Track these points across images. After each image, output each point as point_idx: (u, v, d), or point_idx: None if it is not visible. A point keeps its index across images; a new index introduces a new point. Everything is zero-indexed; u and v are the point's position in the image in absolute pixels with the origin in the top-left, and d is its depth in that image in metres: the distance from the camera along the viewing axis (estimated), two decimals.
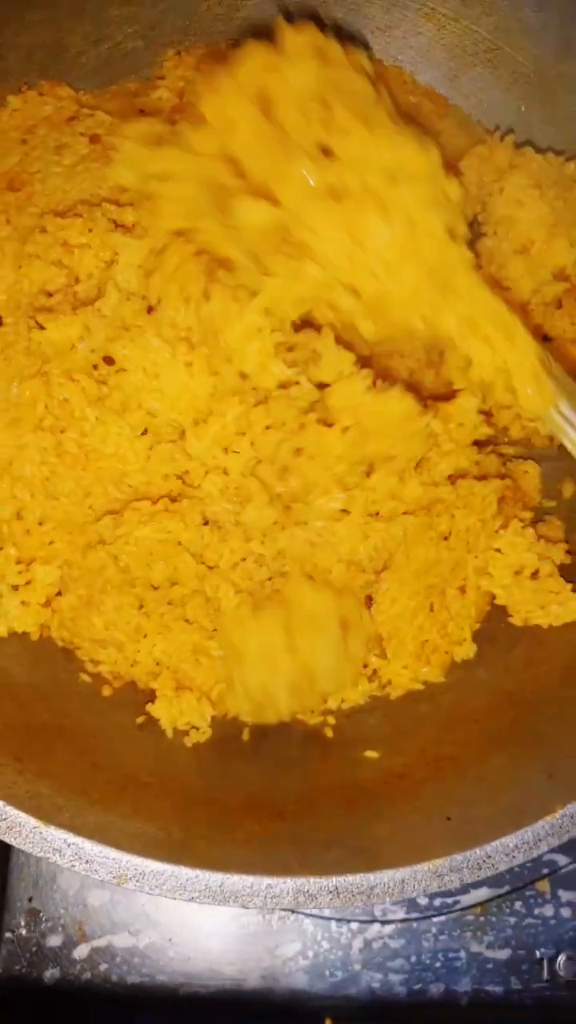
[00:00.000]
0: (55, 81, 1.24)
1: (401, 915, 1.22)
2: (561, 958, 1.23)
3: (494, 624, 1.15)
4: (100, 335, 1.01)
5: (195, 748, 1.04)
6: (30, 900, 1.23)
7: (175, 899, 0.83)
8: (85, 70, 1.27)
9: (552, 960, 1.24)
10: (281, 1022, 1.25)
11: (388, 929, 1.23)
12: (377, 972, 1.23)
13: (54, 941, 1.23)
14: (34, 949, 1.22)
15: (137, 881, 0.82)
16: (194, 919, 1.24)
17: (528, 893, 1.26)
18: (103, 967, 1.22)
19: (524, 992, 1.23)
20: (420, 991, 1.23)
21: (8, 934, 1.23)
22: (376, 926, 1.23)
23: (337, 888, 0.85)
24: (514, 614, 1.13)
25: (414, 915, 1.22)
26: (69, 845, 0.82)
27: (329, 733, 1.08)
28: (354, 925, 1.23)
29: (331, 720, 1.08)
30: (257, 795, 0.98)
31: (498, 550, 1.10)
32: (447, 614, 1.12)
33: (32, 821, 0.82)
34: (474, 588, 1.13)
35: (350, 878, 0.85)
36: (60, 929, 1.23)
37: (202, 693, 1.04)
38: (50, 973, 1.22)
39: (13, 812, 0.82)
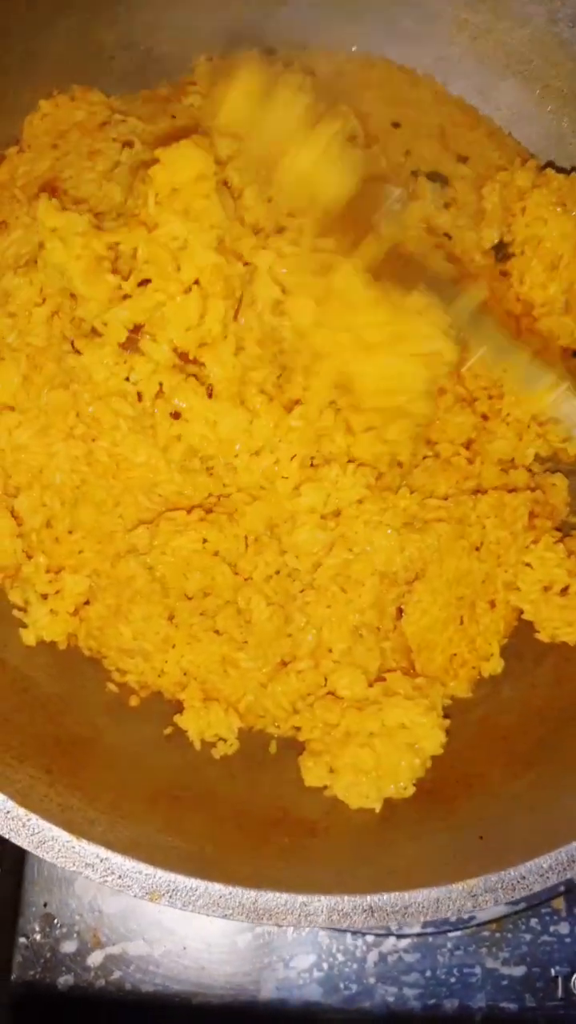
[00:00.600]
0: (87, 86, 1.24)
1: (417, 929, 1.22)
2: None
3: (521, 640, 1.14)
4: (142, 370, 1.00)
5: (223, 761, 1.03)
6: (45, 906, 1.22)
7: (208, 915, 0.82)
8: (117, 75, 1.26)
9: (567, 978, 1.23)
10: None
11: (403, 943, 1.23)
12: (392, 986, 1.22)
13: (68, 947, 1.22)
14: (48, 955, 1.21)
15: (170, 897, 0.82)
16: (209, 929, 1.23)
17: (544, 910, 1.25)
18: (117, 975, 1.21)
19: (538, 1010, 1.22)
20: (434, 1006, 1.22)
21: (23, 939, 1.21)
22: (391, 940, 1.22)
23: (372, 907, 0.84)
24: (541, 630, 1.12)
25: (430, 930, 1.22)
26: (102, 860, 0.81)
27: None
28: (369, 938, 1.22)
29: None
30: (287, 809, 0.97)
31: (528, 565, 1.10)
32: (476, 628, 1.11)
33: (65, 835, 0.81)
34: (504, 603, 1.13)
35: (385, 896, 0.84)
36: (75, 935, 1.22)
37: (229, 705, 1.03)
38: (64, 980, 1.21)
39: (46, 826, 0.81)
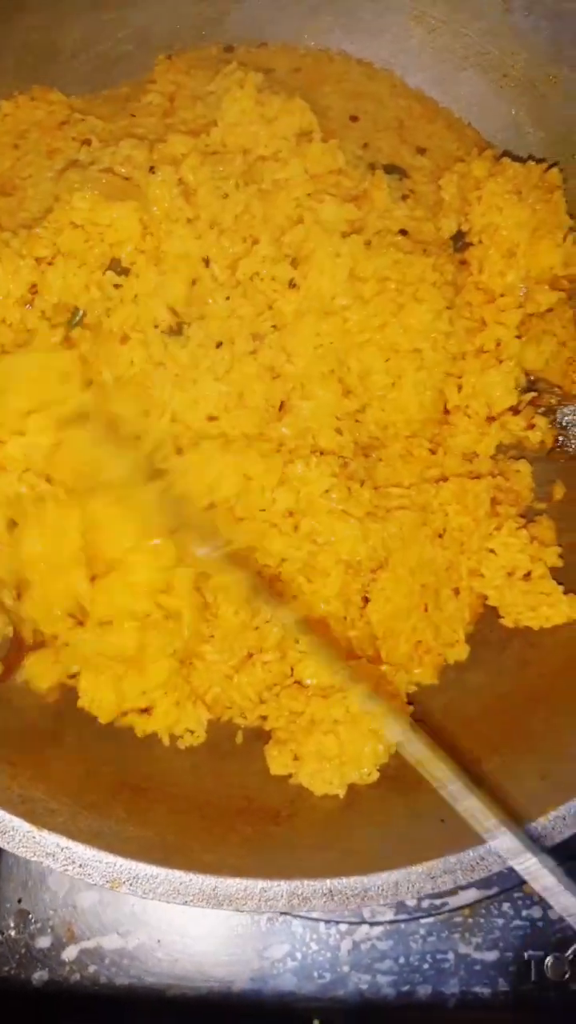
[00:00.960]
0: (47, 86, 1.24)
1: (390, 916, 1.22)
2: (549, 960, 1.23)
3: (486, 627, 1.15)
4: None
5: (189, 752, 1.04)
6: (19, 901, 1.22)
7: (169, 903, 0.83)
8: (77, 75, 1.27)
9: (540, 962, 1.23)
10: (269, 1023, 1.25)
11: (376, 931, 1.23)
12: (365, 974, 1.22)
13: (43, 943, 1.22)
14: (23, 951, 1.22)
15: (131, 885, 0.83)
16: (183, 921, 1.23)
17: (516, 895, 1.25)
18: (92, 969, 1.22)
19: (512, 994, 1.23)
20: (408, 992, 1.22)
21: None
22: (364, 928, 1.23)
23: (331, 890, 0.85)
24: (505, 615, 1.14)
25: (402, 917, 1.22)
26: (62, 849, 0.82)
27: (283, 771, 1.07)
28: (343, 927, 1.23)
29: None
30: (251, 798, 0.98)
31: (492, 551, 1.11)
32: (440, 615, 1.12)
33: (25, 825, 0.82)
34: (468, 589, 1.14)
35: (344, 880, 0.86)
36: (49, 931, 1.22)
37: (198, 697, 1.04)
38: (39, 975, 1.22)
39: (6, 816, 0.82)
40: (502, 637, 1.14)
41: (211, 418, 1.05)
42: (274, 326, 1.08)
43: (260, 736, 1.07)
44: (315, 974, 1.22)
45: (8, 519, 0.96)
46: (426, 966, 1.23)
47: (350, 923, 1.22)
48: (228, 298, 1.08)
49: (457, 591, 1.14)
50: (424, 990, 1.22)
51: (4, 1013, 1.21)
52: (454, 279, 1.14)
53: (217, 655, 1.06)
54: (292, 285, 1.08)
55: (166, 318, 1.06)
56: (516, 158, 1.19)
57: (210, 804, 0.96)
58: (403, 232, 1.12)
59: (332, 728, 1.01)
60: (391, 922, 1.22)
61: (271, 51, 1.31)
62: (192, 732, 1.04)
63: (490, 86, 1.29)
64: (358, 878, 0.86)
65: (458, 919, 1.24)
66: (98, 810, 0.89)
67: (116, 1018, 1.23)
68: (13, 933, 1.21)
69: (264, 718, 1.07)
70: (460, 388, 1.12)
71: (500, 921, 1.24)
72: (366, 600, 1.11)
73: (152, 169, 1.10)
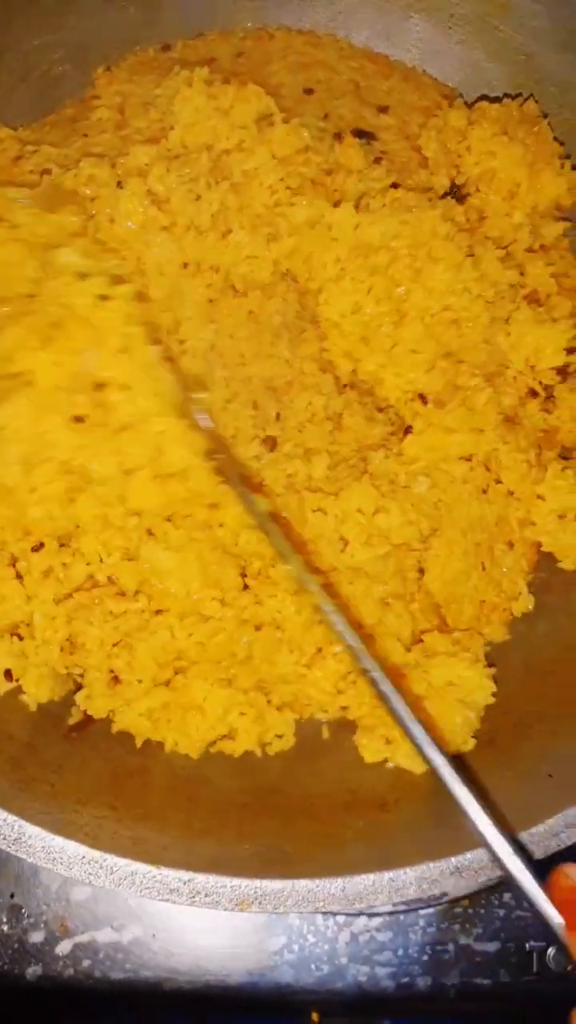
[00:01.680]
0: None
1: (388, 907, 1.20)
2: (551, 951, 1.17)
3: (547, 573, 1.13)
4: None
5: (279, 757, 1.02)
6: (12, 896, 1.20)
7: (301, 912, 0.82)
8: (18, 106, 1.25)
9: (542, 953, 1.19)
10: (267, 1017, 1.22)
11: (375, 922, 1.20)
12: (364, 965, 1.19)
13: (36, 937, 1.19)
14: (16, 946, 1.19)
15: (259, 903, 0.81)
16: (178, 914, 1.20)
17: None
18: (86, 963, 1.19)
19: (513, 985, 1.19)
20: (407, 984, 1.19)
21: None
22: (363, 919, 1.20)
23: (458, 867, 0.84)
24: (563, 559, 1.12)
25: (401, 907, 1.20)
26: (186, 883, 0.81)
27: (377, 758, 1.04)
28: (340, 919, 1.20)
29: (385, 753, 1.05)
30: (354, 791, 0.97)
31: (540, 497, 1.09)
32: (499, 571, 1.11)
33: (144, 867, 0.81)
34: (521, 540, 1.12)
35: (468, 856, 0.84)
36: (42, 925, 1.19)
37: (283, 702, 1.03)
38: (32, 970, 1.19)
39: (123, 862, 0.81)
40: (565, 581, 1.12)
41: None
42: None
43: (345, 726, 1.06)
44: (313, 966, 1.19)
45: None
46: (426, 958, 1.19)
47: (348, 915, 1.19)
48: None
49: (511, 544, 1.12)
50: (424, 982, 1.19)
51: None
52: (468, 223, 1.12)
53: (288, 655, 1.04)
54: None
55: None
56: (484, 99, 1.17)
57: (315, 805, 0.95)
58: (395, 186, 1.09)
59: (418, 705, 1.00)
60: (390, 913, 1.19)
61: (209, 40, 1.29)
62: (281, 737, 1.02)
63: (438, 29, 1.26)
64: (481, 850, 0.84)
65: (458, 910, 1.21)
66: (209, 836, 0.87)
67: (112, 1013, 1.20)
68: (6, 928, 1.18)
69: (345, 708, 1.06)
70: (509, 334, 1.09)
71: (501, 912, 1.21)
72: (422, 571, 1.09)
73: (119, 184, 1.08)
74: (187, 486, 0.97)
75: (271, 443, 1.07)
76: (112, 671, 0.96)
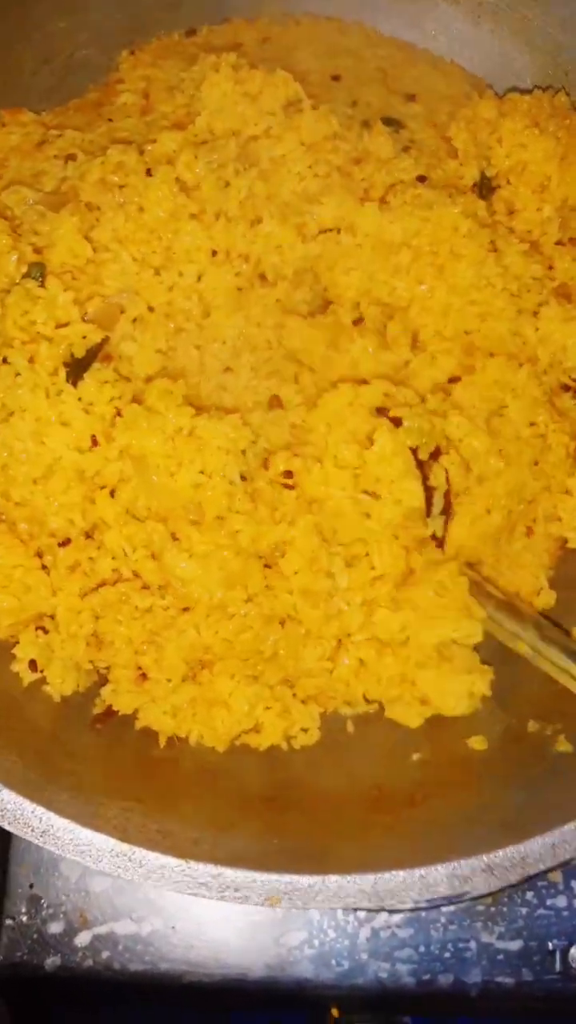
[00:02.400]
0: (14, 108, 1.20)
1: (410, 904, 1.19)
2: (574, 950, 1.18)
3: (572, 570, 1.12)
4: None
5: (304, 751, 1.01)
6: (31, 887, 1.18)
7: (332, 908, 0.81)
8: (42, 90, 1.24)
9: (565, 952, 1.18)
10: (286, 1011, 1.22)
11: (396, 918, 1.19)
12: (384, 962, 1.17)
13: (55, 928, 1.18)
14: (35, 936, 1.17)
15: (289, 898, 0.80)
16: (197, 907, 1.19)
17: (540, 883, 1.20)
18: (105, 955, 1.17)
19: (535, 984, 1.18)
20: (429, 981, 1.17)
21: (9, 921, 1.18)
22: (384, 915, 1.19)
23: (489, 865, 0.83)
24: None
25: (423, 904, 1.19)
26: (215, 877, 0.80)
27: (417, 722, 1.04)
28: (361, 914, 1.19)
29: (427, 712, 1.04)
30: (381, 786, 0.96)
31: (568, 492, 1.07)
32: (510, 550, 1.10)
33: (174, 861, 0.79)
34: (544, 534, 1.11)
35: (500, 853, 0.83)
36: (62, 916, 1.18)
37: (307, 695, 1.02)
38: (51, 960, 1.17)
39: (152, 856, 0.79)
40: None
41: None
42: None
43: (370, 720, 1.05)
44: (333, 962, 1.17)
45: None
46: (447, 955, 1.18)
47: (369, 910, 1.18)
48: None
49: (530, 531, 1.11)
50: (446, 979, 1.17)
51: (17, 998, 1.18)
52: (491, 219, 1.11)
53: (313, 650, 1.03)
54: None
55: None
56: (514, 90, 1.15)
57: (342, 801, 0.94)
58: (421, 179, 1.08)
59: (427, 662, 1.01)
60: (412, 910, 1.17)
61: (235, 26, 1.27)
62: (306, 731, 1.01)
63: (467, 17, 1.25)
64: (514, 848, 0.83)
65: (480, 907, 1.19)
66: (237, 829, 0.86)
67: (130, 1005, 1.20)
68: (25, 919, 1.17)
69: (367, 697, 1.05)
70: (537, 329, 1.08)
71: (524, 910, 1.20)
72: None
73: (148, 172, 1.06)
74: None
75: (276, 402, 1.06)
76: (140, 668, 0.95)
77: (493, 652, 1.04)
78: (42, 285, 1.01)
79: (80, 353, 1.00)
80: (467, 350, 1.05)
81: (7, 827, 0.79)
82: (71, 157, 1.14)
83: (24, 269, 1.02)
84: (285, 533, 0.97)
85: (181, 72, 1.19)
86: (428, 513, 1.01)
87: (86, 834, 0.80)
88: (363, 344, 1.04)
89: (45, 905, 1.18)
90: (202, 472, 0.95)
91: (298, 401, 1.05)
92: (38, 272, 1.02)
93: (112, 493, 0.95)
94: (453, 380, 1.05)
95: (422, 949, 1.18)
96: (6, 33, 1.19)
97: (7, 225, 1.04)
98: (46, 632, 0.96)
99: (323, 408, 1.00)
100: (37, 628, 0.96)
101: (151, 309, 1.06)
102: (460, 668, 1.02)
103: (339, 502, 0.98)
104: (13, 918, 1.18)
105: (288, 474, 0.99)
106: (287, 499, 0.99)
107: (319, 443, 0.99)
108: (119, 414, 0.97)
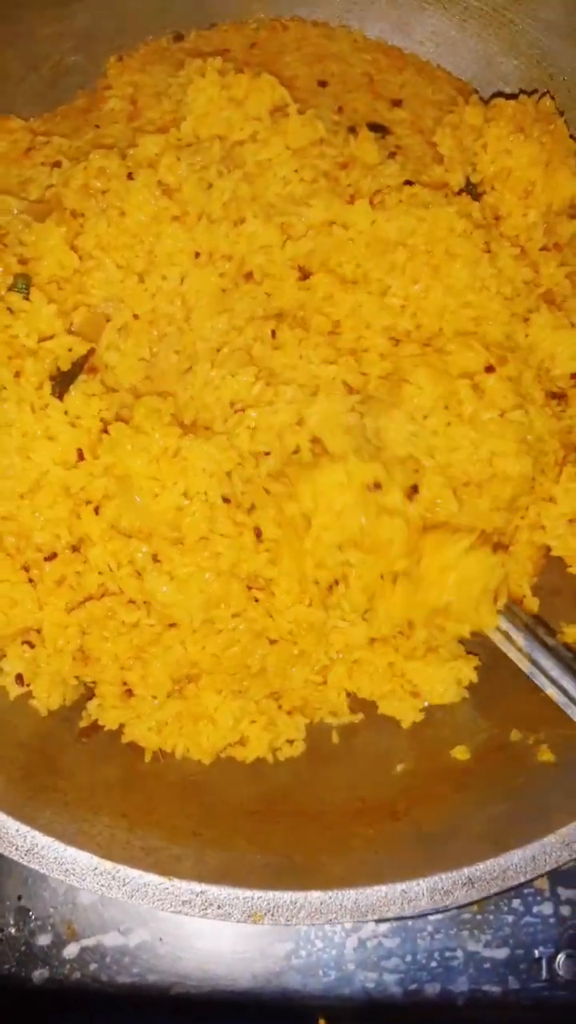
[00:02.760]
0: (2, 115, 1.20)
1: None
2: (561, 957, 1.19)
3: (556, 577, 1.13)
4: None
5: (289, 763, 1.02)
6: (19, 899, 1.19)
7: (314, 924, 0.81)
8: (29, 96, 1.23)
9: (551, 959, 1.19)
10: (274, 1022, 1.21)
11: (383, 928, 1.20)
12: (371, 972, 1.19)
13: (43, 940, 1.19)
14: (23, 948, 1.18)
15: (272, 916, 0.81)
16: (185, 918, 1.14)
17: (526, 890, 1.21)
18: (93, 967, 1.18)
19: (522, 992, 1.19)
20: (416, 991, 1.19)
21: None
22: (370, 925, 1.20)
23: (470, 878, 0.84)
24: (573, 564, 1.11)
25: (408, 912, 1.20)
26: (198, 895, 0.81)
27: (417, 717, 1.06)
28: (348, 924, 1.17)
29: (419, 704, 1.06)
30: (364, 798, 0.96)
31: (551, 499, 1.08)
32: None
33: (156, 879, 0.80)
34: (527, 543, 1.12)
35: (480, 866, 0.84)
36: (50, 928, 1.19)
37: (292, 707, 1.02)
38: (39, 973, 1.18)
39: (136, 874, 0.80)
40: (573, 585, 1.11)
41: None
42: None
43: (355, 731, 1.06)
44: (320, 972, 1.18)
45: None
46: (434, 964, 1.19)
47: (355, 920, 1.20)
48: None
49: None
50: (432, 988, 1.19)
51: (4, 1011, 1.19)
52: (484, 220, 1.10)
53: (303, 669, 1.04)
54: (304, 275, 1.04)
55: None
56: (500, 95, 1.15)
57: (325, 813, 0.95)
58: (409, 183, 1.08)
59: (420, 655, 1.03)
60: (398, 919, 1.18)
61: (223, 31, 1.26)
62: (291, 743, 1.02)
63: (453, 22, 1.24)
64: (494, 860, 0.84)
65: (466, 916, 1.20)
66: (220, 845, 0.87)
67: (118, 1016, 1.20)
68: (13, 931, 1.18)
69: (351, 694, 1.07)
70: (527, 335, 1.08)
71: (510, 918, 1.21)
72: None
73: (130, 175, 1.06)
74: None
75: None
76: (125, 683, 0.96)
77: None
78: (27, 297, 1.01)
79: (66, 366, 1.00)
80: None
81: None
82: (56, 164, 1.14)
83: (9, 280, 1.02)
84: (268, 569, 0.97)
85: (168, 77, 1.18)
86: None
87: (70, 852, 0.81)
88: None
89: (33, 917, 1.19)
90: (184, 494, 0.95)
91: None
92: (23, 284, 1.02)
93: (96, 510, 0.95)
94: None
95: (409, 958, 1.19)
96: None
97: None
98: (32, 646, 0.96)
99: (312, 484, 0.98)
100: (23, 642, 0.97)
101: (136, 317, 1.06)
102: (446, 656, 1.04)
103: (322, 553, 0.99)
104: (1, 930, 1.19)
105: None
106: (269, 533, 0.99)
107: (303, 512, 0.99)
108: (106, 429, 0.97)
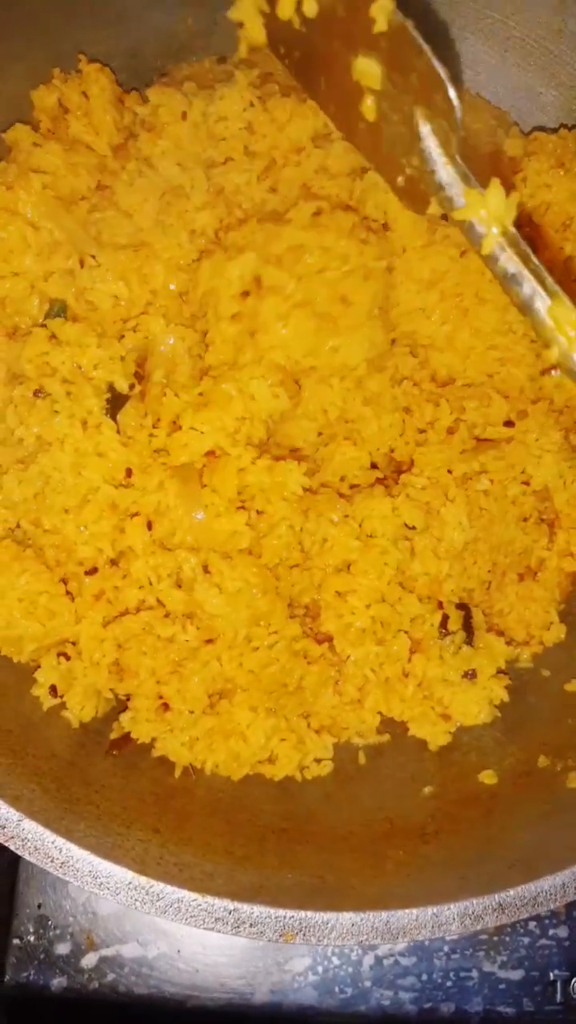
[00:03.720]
0: None
1: None
2: (575, 981, 1.20)
3: None
4: None
5: (317, 782, 1.02)
6: (39, 907, 1.19)
7: (343, 945, 0.82)
8: None
9: (566, 982, 1.20)
10: None
11: (400, 946, 1.20)
12: (387, 989, 1.19)
13: (62, 949, 1.19)
14: (42, 956, 1.19)
15: (304, 935, 0.81)
16: (203, 932, 1.16)
17: (543, 913, 1.18)
18: (111, 977, 1.19)
19: (537, 1014, 1.19)
20: (431, 1010, 1.19)
21: (16, 941, 1.19)
22: (387, 944, 1.18)
23: (501, 904, 0.84)
24: None
25: None
26: (231, 912, 0.81)
27: (445, 740, 1.06)
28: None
29: (449, 727, 1.06)
30: (392, 819, 0.97)
31: None
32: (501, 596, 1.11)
33: (190, 895, 0.81)
34: (555, 569, 1.12)
35: (512, 892, 0.84)
36: (69, 937, 1.19)
37: (321, 725, 1.03)
38: (57, 981, 1.19)
39: (170, 890, 0.81)
40: None
41: None
42: None
43: (382, 752, 1.06)
44: (336, 988, 1.19)
45: None
46: (449, 983, 1.19)
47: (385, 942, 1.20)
48: None
49: (522, 576, 1.12)
50: (447, 1008, 1.19)
51: (22, 1019, 1.19)
52: None
53: (338, 696, 1.05)
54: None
55: None
56: (540, 129, 1.16)
57: (354, 834, 0.95)
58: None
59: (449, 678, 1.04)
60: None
61: (266, 54, 1.27)
62: (319, 762, 1.02)
63: (494, 51, 1.25)
64: (524, 887, 0.84)
65: (483, 937, 1.21)
66: (252, 862, 0.87)
67: None
68: (32, 939, 1.19)
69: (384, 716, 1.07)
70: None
71: (526, 940, 1.21)
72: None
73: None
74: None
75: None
76: (162, 698, 0.96)
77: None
78: (64, 318, 1.02)
79: (121, 386, 1.01)
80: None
81: (28, 857, 0.80)
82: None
83: (45, 308, 1.03)
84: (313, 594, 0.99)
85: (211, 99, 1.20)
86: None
87: (105, 866, 0.81)
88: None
89: (52, 926, 1.19)
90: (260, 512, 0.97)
91: None
92: (59, 308, 1.03)
93: (149, 525, 0.96)
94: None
95: (424, 977, 1.19)
96: (40, 55, 1.20)
97: None
98: (68, 658, 0.97)
99: None
100: (59, 654, 0.97)
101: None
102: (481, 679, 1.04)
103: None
104: (20, 938, 1.19)
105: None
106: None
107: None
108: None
